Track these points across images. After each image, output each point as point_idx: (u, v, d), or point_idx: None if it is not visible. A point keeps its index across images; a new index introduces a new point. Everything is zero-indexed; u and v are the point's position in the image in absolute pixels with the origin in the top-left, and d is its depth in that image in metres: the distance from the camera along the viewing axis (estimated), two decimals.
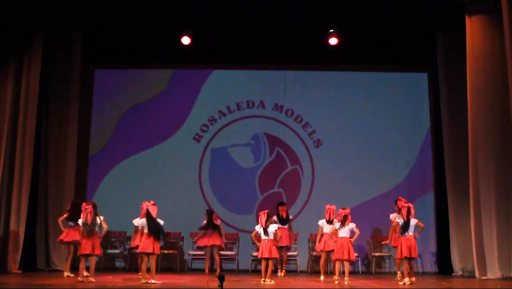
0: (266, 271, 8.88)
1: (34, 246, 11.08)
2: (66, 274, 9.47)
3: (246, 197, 12.15)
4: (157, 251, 8.60)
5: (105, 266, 11.66)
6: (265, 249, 8.86)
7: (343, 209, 9.10)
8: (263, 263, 8.97)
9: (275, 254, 8.95)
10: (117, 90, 12.61)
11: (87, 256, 8.75)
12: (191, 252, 11.71)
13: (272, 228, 8.93)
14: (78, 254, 8.92)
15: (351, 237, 9.03)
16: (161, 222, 8.72)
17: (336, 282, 8.88)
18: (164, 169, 12.30)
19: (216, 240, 10.76)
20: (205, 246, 10.84)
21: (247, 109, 12.64)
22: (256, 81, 12.71)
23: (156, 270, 11.29)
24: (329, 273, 10.19)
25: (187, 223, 11.32)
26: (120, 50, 12.25)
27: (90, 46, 11.97)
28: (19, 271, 10.30)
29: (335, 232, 9.09)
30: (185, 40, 11.66)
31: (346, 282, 8.79)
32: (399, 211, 9.15)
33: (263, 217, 8.94)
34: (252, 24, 11.52)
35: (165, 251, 11.80)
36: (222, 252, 11.67)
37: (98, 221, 8.77)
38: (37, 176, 11.24)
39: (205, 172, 12.39)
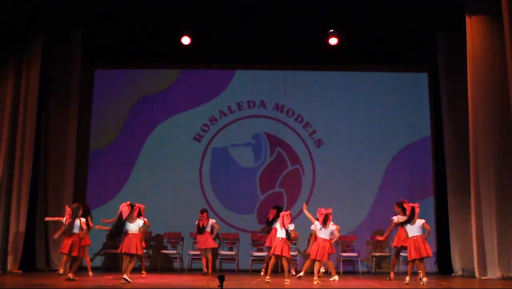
0: (267, 268, 8.89)
1: (34, 246, 11.08)
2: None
3: (246, 197, 12.15)
4: (140, 252, 8.67)
5: (106, 265, 11.75)
6: (278, 247, 8.94)
7: (325, 209, 9.08)
8: (273, 260, 9.05)
9: (286, 253, 8.96)
10: (117, 90, 12.60)
11: (65, 254, 9.06)
12: (191, 252, 11.69)
13: (290, 227, 9.02)
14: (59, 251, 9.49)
15: (331, 238, 9.04)
16: (140, 222, 8.63)
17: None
18: (164, 168, 12.28)
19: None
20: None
21: (248, 109, 12.64)
22: (257, 81, 12.70)
23: (156, 270, 11.39)
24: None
25: (188, 223, 11.28)
26: (120, 50, 12.23)
27: (90, 46, 11.97)
28: (19, 271, 10.29)
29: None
30: (185, 40, 11.68)
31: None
32: (403, 212, 9.14)
33: (286, 218, 8.99)
34: (253, 24, 11.50)
35: (165, 251, 11.81)
36: (222, 252, 11.69)
37: (78, 223, 9.06)
38: (37, 175, 11.24)
39: (205, 172, 12.38)
